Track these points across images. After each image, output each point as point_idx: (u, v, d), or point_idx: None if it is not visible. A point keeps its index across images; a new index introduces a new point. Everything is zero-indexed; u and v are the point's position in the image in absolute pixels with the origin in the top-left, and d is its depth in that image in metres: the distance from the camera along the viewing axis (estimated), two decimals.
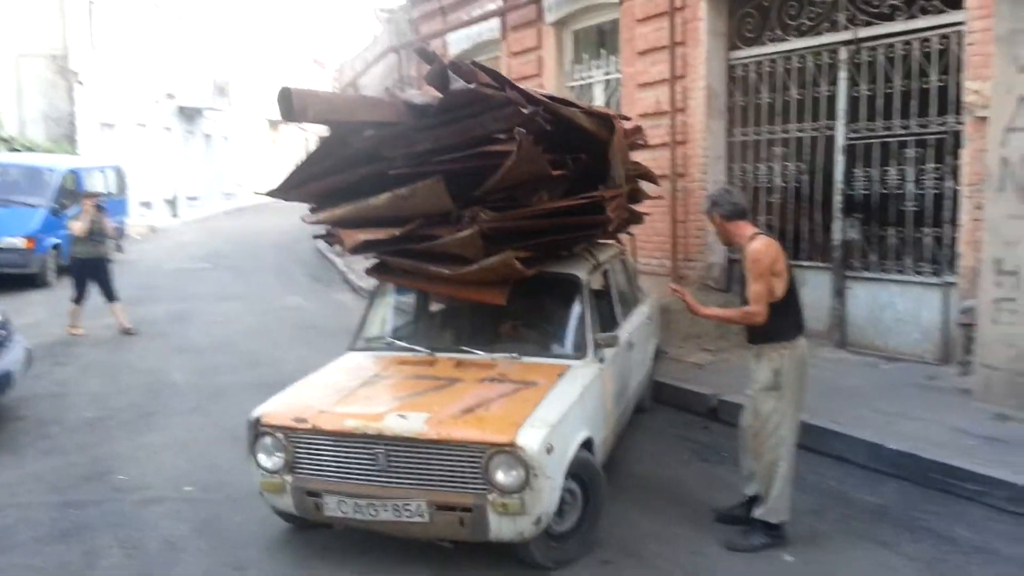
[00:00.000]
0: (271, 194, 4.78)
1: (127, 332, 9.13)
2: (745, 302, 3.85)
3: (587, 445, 3.88)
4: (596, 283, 5.04)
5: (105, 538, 4.21)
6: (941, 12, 6.19)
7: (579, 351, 4.38)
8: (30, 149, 17.20)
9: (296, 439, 3.70)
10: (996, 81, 5.20)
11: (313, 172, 4.56)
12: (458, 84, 4.12)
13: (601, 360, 4.39)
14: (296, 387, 4.23)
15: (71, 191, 13.81)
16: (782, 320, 3.79)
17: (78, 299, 9.13)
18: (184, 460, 5.28)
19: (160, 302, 11.26)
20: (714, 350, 7.02)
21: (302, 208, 4.90)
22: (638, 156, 7.14)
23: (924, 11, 6.32)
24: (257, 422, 3.79)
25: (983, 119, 5.52)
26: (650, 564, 3.76)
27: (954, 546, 3.84)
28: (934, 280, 6.38)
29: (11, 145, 16.84)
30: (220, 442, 5.43)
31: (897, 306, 6.66)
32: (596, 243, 5.55)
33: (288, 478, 3.70)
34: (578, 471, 3.71)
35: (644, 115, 8.43)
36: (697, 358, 6.85)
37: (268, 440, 3.74)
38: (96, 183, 15.24)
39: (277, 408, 3.89)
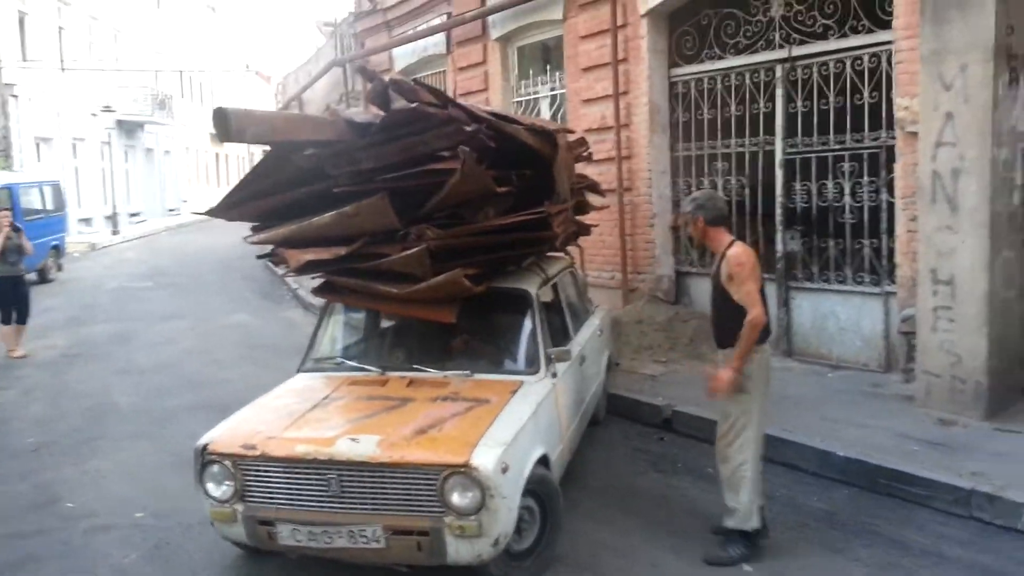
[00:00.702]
0: (210, 213, 4.71)
1: (16, 357, 8.84)
2: (720, 311, 3.91)
3: (543, 461, 3.85)
4: (546, 297, 5.04)
5: (53, 569, 4.10)
6: (871, 32, 6.45)
7: (532, 366, 4.36)
8: None
9: (245, 467, 3.60)
10: (923, 99, 5.43)
11: (255, 191, 4.52)
12: (400, 103, 4.11)
13: (554, 375, 4.38)
14: (244, 412, 4.13)
15: (6, 208, 13.36)
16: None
17: (4, 320, 8.85)
18: (132, 486, 5.15)
19: (101, 322, 10.99)
20: (666, 361, 7.14)
21: (248, 224, 4.84)
22: (585, 170, 7.26)
23: (855, 30, 6.57)
24: (204, 450, 3.69)
25: (913, 134, 5.76)
26: None
27: (904, 550, 3.95)
28: (874, 290, 6.60)
29: None
30: (168, 467, 5.30)
31: (840, 315, 6.88)
32: (545, 257, 5.59)
33: (239, 507, 3.61)
34: (535, 488, 3.71)
35: (590, 130, 8.56)
36: (650, 369, 6.95)
37: (216, 468, 3.64)
38: (33, 199, 14.81)
39: (224, 435, 3.79)
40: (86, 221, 23.45)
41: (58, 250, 15.59)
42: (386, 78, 4.39)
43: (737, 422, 3.87)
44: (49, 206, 15.47)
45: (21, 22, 20.89)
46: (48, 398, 7.35)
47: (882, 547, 4.00)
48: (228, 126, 3.79)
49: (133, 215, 27.53)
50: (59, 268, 15.51)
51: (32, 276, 14.29)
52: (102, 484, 5.22)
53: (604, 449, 5.55)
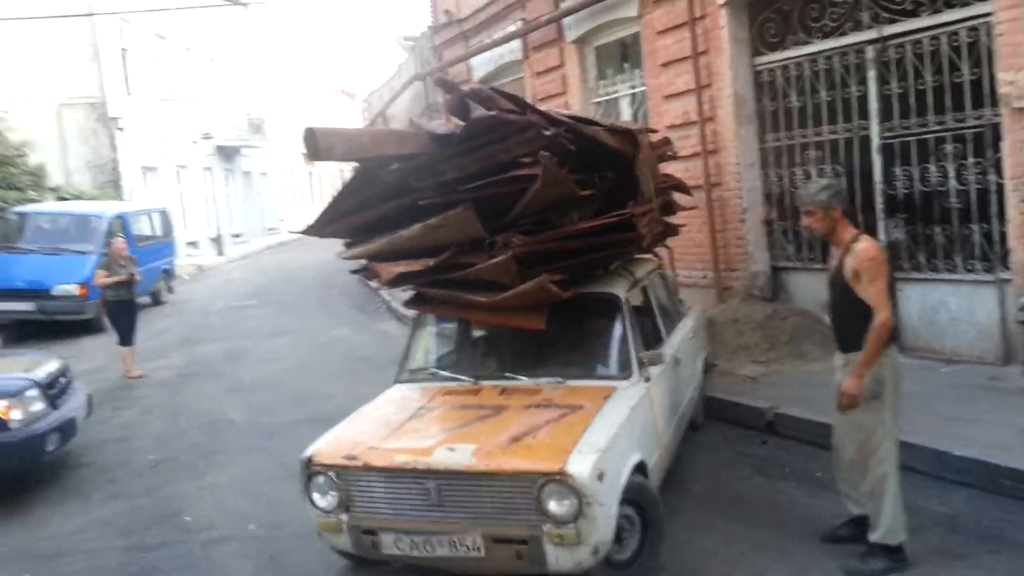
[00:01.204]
0: (307, 232, 4.87)
1: (132, 377, 9.29)
2: (842, 311, 3.75)
3: (640, 468, 3.82)
4: (636, 300, 4.97)
5: None
6: (967, 4, 6.10)
7: (624, 371, 4.34)
8: (77, 197, 17.76)
9: (348, 477, 3.71)
10: None
11: (345, 207, 4.64)
12: (478, 111, 4.14)
13: (647, 379, 4.34)
14: (345, 424, 4.25)
15: (120, 235, 14.25)
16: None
17: (123, 342, 9.41)
18: (247, 499, 5.40)
19: (212, 341, 11.53)
20: (765, 361, 6.94)
21: (342, 240, 4.98)
22: (670, 168, 7.15)
23: (949, 4, 6.23)
24: (309, 462, 3.81)
25: (1021, 110, 5.42)
26: None
27: None
28: (987, 277, 6.23)
29: (59, 194, 17.41)
30: (280, 480, 5.52)
31: (951, 306, 6.52)
32: (633, 259, 5.53)
33: (344, 517, 3.71)
34: (634, 496, 3.68)
35: (672, 126, 8.44)
36: (749, 371, 6.77)
37: (321, 479, 3.75)
38: (143, 226, 15.70)
39: (327, 447, 3.91)
40: (193, 244, 24.69)
41: (168, 274, 16.45)
42: (464, 88, 4.43)
43: (875, 433, 3.69)
44: (158, 232, 16.35)
45: (123, 57, 22.19)
46: (166, 416, 7.77)
47: (1009, 552, 3.79)
48: (316, 145, 3.90)
49: (235, 236, 28.79)
50: (170, 291, 16.38)
51: (146, 299, 15.22)
52: (218, 497, 5.49)
53: (705, 454, 5.45)
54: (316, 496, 3.77)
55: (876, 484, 3.70)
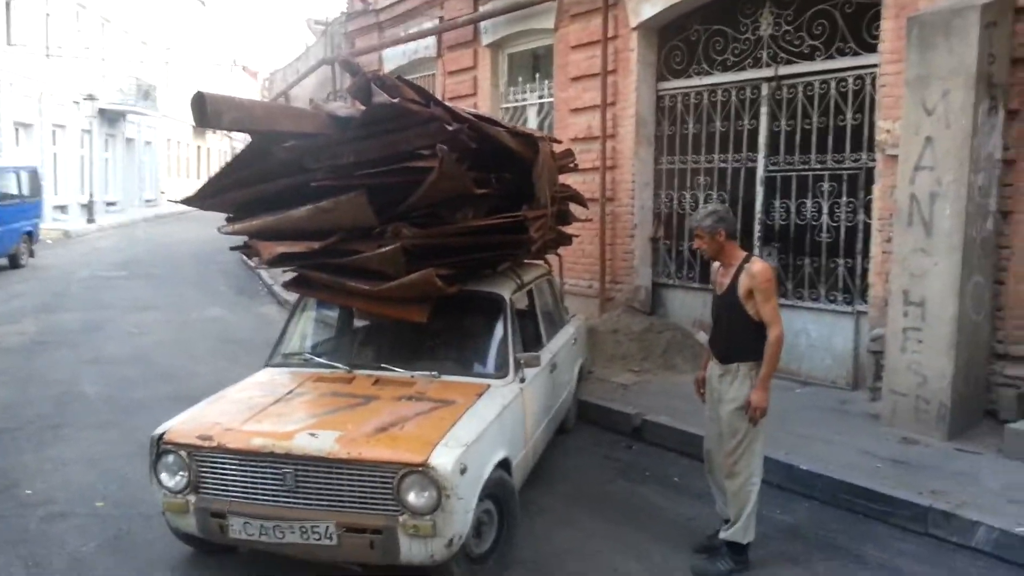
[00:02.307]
0: (187, 202, 4.65)
1: None
2: (730, 326, 3.89)
3: (504, 465, 3.84)
4: (520, 302, 5.01)
5: (7, 555, 4.01)
6: (857, 54, 6.54)
7: (500, 370, 4.35)
8: None
9: (200, 458, 3.57)
10: (905, 122, 5.51)
11: (232, 181, 4.47)
12: (381, 97, 4.06)
13: (522, 380, 4.37)
14: (205, 403, 4.10)
15: None
16: (762, 339, 3.82)
17: None
18: (95, 475, 5.07)
19: (72, 310, 10.82)
20: (639, 371, 7.16)
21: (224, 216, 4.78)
22: (569, 179, 7.28)
23: (841, 52, 6.66)
24: (159, 439, 3.66)
25: (893, 157, 5.83)
26: None
27: (862, 564, 3.99)
28: (846, 308, 6.68)
29: None
30: (133, 457, 5.22)
31: (811, 332, 6.95)
32: (522, 263, 5.57)
33: (192, 498, 3.58)
34: (494, 491, 3.70)
35: (576, 139, 8.60)
36: (622, 378, 6.97)
37: (171, 458, 3.60)
38: (8, 184, 14.60)
39: (182, 425, 3.76)
40: (62, 208, 23.17)
41: (31, 236, 15.34)
42: (369, 72, 4.37)
43: (746, 437, 3.86)
44: (24, 191, 15.24)
45: (7, 5, 20.65)
46: (14, 383, 7.21)
47: (840, 560, 4.04)
48: (204, 110, 3.75)
49: (110, 204, 27.23)
50: (31, 254, 15.28)
51: (3, 261, 14.15)
52: (63, 472, 5.13)
53: (574, 455, 5.55)
54: (164, 476, 3.62)
55: (742, 485, 3.86)
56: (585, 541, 4.21)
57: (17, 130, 21.25)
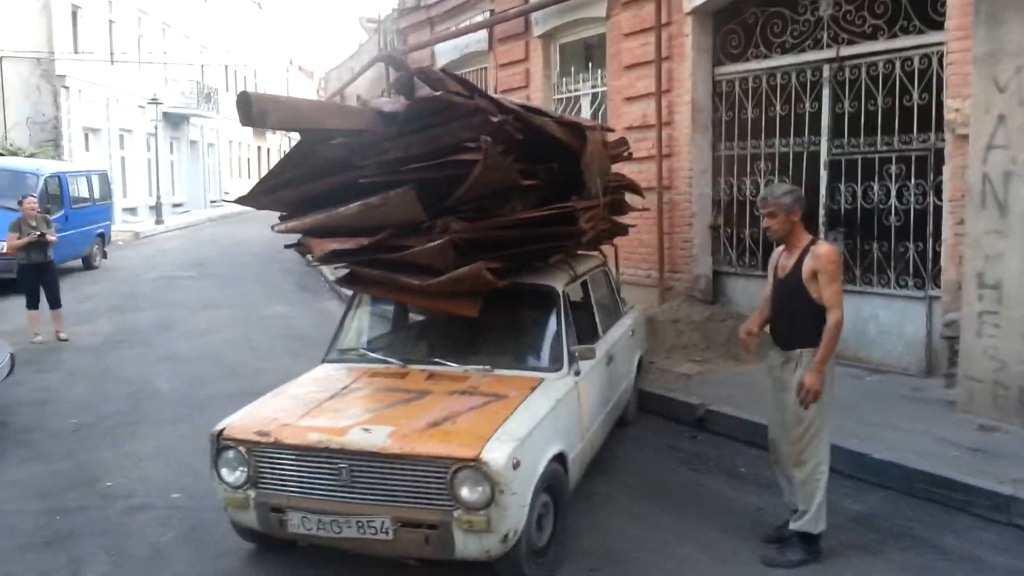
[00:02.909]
0: (240, 201, 4.73)
1: (61, 340, 9.01)
2: (792, 310, 3.81)
3: (559, 459, 3.80)
4: (574, 294, 4.94)
5: (91, 545, 4.19)
6: (921, 32, 6.32)
7: (554, 363, 4.29)
8: (13, 154, 17.07)
9: (259, 453, 3.60)
10: (976, 100, 5.31)
11: (283, 179, 4.50)
12: (424, 91, 4.04)
13: (577, 373, 4.31)
14: (263, 400, 4.14)
15: (56, 195, 13.75)
16: (824, 324, 3.74)
17: (29, 304, 9.04)
18: (170, 468, 5.25)
19: (143, 310, 11.21)
20: (701, 360, 7.08)
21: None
22: (624, 168, 7.21)
23: (905, 31, 6.44)
24: (219, 435, 3.70)
25: (963, 137, 5.63)
26: (636, 572, 3.78)
27: (941, 554, 3.89)
28: (918, 294, 6.47)
29: None
30: (205, 452, 5.19)
31: (881, 319, 6.75)
32: (576, 255, 5.50)
33: (251, 493, 3.62)
34: (551, 484, 3.67)
35: (630, 128, 8.51)
36: (684, 368, 6.90)
37: (231, 454, 3.65)
38: (80, 188, 15.18)
39: (241, 421, 3.80)
40: (131, 211, 24.01)
41: (103, 238, 15.94)
42: (412, 66, 4.35)
43: (812, 425, 3.78)
44: (96, 195, 15.82)
45: (74, 15, 21.43)
46: (90, 381, 7.52)
47: (918, 551, 3.93)
48: (250, 110, 3.77)
49: (176, 206, 28.10)
50: (104, 256, 15.87)
51: (77, 263, 14.72)
52: (140, 466, 5.33)
53: (637, 446, 5.52)
54: (224, 471, 3.66)
55: (810, 474, 3.79)
56: (650, 531, 4.18)
57: (87, 135, 22.08)
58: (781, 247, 3.97)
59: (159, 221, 24.03)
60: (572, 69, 10.16)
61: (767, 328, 4.07)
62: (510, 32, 10.86)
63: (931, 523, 4.22)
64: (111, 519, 4.50)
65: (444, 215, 4.14)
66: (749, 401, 5.69)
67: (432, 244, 4.04)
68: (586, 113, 9.76)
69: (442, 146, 4.07)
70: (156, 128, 25.52)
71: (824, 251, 3.76)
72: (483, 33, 11.54)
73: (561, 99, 10.28)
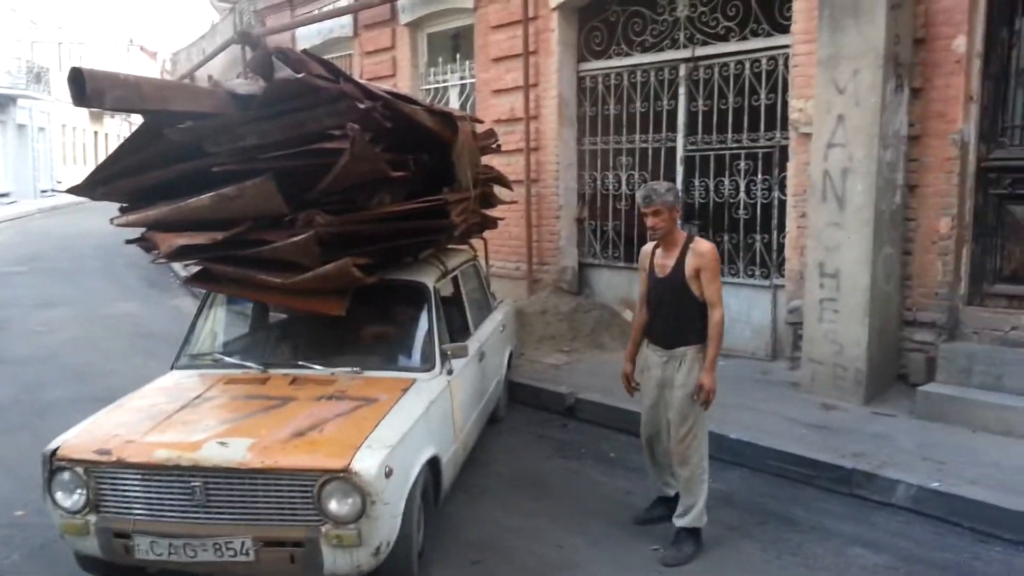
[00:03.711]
0: (74, 191, 4.25)
1: None
2: (677, 308, 3.80)
3: (433, 463, 3.71)
4: (445, 290, 4.84)
5: None
6: (770, 35, 6.74)
7: (426, 363, 4.14)
8: None
9: (99, 474, 3.28)
10: (818, 101, 5.73)
11: (124, 167, 4.09)
12: (284, 72, 3.75)
13: (450, 372, 4.20)
14: (103, 413, 3.76)
15: None
16: (705, 321, 3.79)
17: None
18: (11, 482, 4.80)
19: None
20: (568, 350, 7.26)
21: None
22: (493, 161, 7.25)
23: (755, 34, 6.86)
24: (53, 455, 3.35)
25: (806, 135, 6.06)
26: (517, 560, 3.84)
27: (793, 526, 4.18)
28: (764, 283, 6.93)
29: None
30: None
31: (731, 307, 7.02)
32: (446, 249, 5.40)
33: (92, 518, 3.29)
34: (424, 491, 3.62)
35: (499, 121, 8.58)
36: (553, 359, 7.05)
37: (67, 476, 3.30)
38: None
39: (77, 439, 3.44)
40: None
41: None
42: (269, 45, 4.09)
43: (696, 423, 3.83)
44: None
45: None
46: None
47: (772, 524, 4.21)
48: (83, 87, 3.42)
49: (2, 196, 25.66)
50: None
51: None
52: None
53: (509, 436, 5.60)
54: (60, 495, 3.32)
55: (694, 471, 3.85)
56: (528, 520, 4.25)
57: None
58: (651, 245, 3.95)
59: None
60: (440, 59, 10.10)
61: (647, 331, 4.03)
62: (376, 18, 10.64)
63: (783, 497, 4.52)
64: None
65: (307, 207, 3.87)
66: (616, 389, 5.79)
67: (295, 239, 3.77)
68: (455, 104, 9.73)
69: (304, 133, 3.77)
70: None
71: (707, 248, 3.77)
72: (348, 18, 11.22)
73: (429, 89, 10.20)
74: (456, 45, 10.06)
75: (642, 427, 4.13)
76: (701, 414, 3.84)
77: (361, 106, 3.80)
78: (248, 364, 4.18)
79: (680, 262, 3.79)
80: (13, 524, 4.26)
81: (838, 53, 5.55)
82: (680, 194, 3.94)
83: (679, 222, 3.91)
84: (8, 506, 4.46)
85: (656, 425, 4.04)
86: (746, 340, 7.06)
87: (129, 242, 4.46)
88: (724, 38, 7.07)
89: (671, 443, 3.92)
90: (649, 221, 3.81)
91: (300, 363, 4.14)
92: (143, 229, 4.16)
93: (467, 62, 9.65)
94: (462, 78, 9.76)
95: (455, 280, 5.11)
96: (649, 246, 4.00)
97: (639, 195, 3.84)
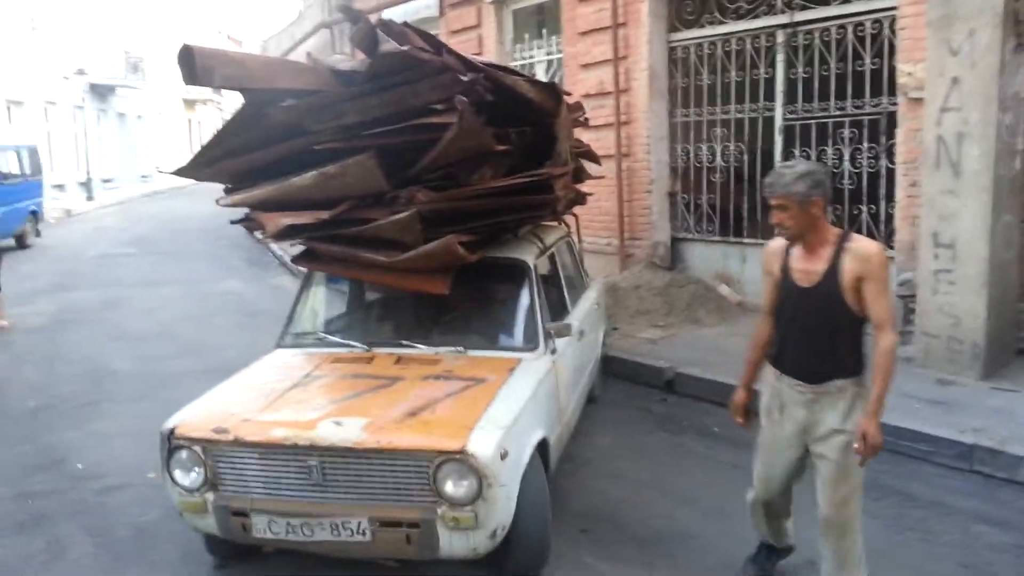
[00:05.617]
0: (179, 173, 4.29)
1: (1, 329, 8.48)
2: (827, 329, 2.89)
3: (542, 446, 3.57)
4: (544, 268, 4.71)
5: (69, 527, 4.09)
6: None
7: (530, 343, 4.02)
8: None
9: (217, 453, 3.26)
10: (929, 64, 5.48)
11: (227, 148, 4.10)
12: (388, 46, 3.66)
13: (554, 351, 4.07)
14: (217, 391, 3.77)
15: None
16: (860, 347, 2.92)
17: None
18: (141, 448, 5.07)
19: (88, 289, 10.83)
20: (663, 325, 7.21)
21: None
22: (582, 136, 7.21)
23: None
24: (171, 434, 3.33)
25: (916, 100, 5.81)
26: (628, 530, 3.87)
27: (913, 502, 4.08)
28: None
29: None
30: None
31: None
32: (541, 225, 5.32)
33: (209, 496, 3.28)
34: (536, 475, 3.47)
35: (588, 95, 8.53)
36: (648, 334, 7.02)
37: (184, 454, 3.29)
38: (11, 163, 14.48)
39: (194, 417, 3.43)
40: (59, 187, 22.99)
41: (36, 216, 15.30)
42: (372, 19, 4.05)
43: (859, 482, 2.97)
44: (26, 170, 15.12)
45: None
46: (42, 363, 7.26)
47: (892, 499, 4.11)
48: (194, 66, 3.46)
49: (106, 181, 27.01)
50: (38, 234, 15.25)
51: (9, 242, 14.10)
52: (109, 446, 5.19)
53: (610, 409, 5.62)
54: (178, 473, 3.31)
55: (853, 545, 3.00)
56: (634, 491, 4.28)
57: (8, 108, 21.00)
58: (782, 242, 3.01)
59: (90, 197, 23.14)
60: (526, 36, 10.09)
61: (775, 354, 3.12)
62: None
63: (900, 473, 4.41)
64: (86, 501, 4.39)
65: (408, 184, 3.83)
66: (716, 363, 5.85)
67: (398, 216, 3.72)
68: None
69: (406, 108, 3.71)
70: (83, 100, 24.41)
71: (872, 250, 2.81)
72: None
73: (515, 66, 10.19)
74: (541, 21, 10.02)
75: (756, 485, 3.28)
76: (860, 472, 2.95)
77: (464, 79, 3.73)
78: (352, 343, 4.14)
79: (833, 268, 2.84)
80: (148, 484, 4.53)
81: (951, 13, 5.28)
82: (826, 180, 2.86)
83: (827, 213, 2.95)
84: (140, 469, 4.72)
85: (777, 487, 3.19)
86: None
87: (234, 222, 4.50)
88: (824, 2, 6.82)
89: (824, 507, 2.99)
90: (775, 216, 2.89)
91: (403, 342, 4.09)
92: (247, 209, 4.19)
93: (553, 37, 9.60)
94: (548, 54, 9.72)
95: (552, 257, 5.03)
96: (779, 243, 3.03)
97: (765, 182, 2.98)
